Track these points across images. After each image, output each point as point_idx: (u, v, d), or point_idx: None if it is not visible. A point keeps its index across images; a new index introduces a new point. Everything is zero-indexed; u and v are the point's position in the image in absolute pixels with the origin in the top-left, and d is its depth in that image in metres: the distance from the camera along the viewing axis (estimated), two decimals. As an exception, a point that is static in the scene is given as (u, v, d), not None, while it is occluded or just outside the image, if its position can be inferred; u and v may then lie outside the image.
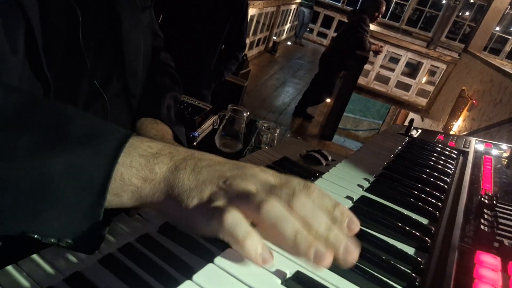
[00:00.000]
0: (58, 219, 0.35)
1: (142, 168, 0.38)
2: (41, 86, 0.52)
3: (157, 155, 0.39)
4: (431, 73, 9.28)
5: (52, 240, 0.36)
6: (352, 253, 0.37)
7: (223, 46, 2.48)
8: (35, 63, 0.50)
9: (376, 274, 0.44)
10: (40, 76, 0.51)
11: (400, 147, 0.94)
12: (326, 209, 0.39)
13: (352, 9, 7.47)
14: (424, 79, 8.00)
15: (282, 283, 0.40)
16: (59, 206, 0.35)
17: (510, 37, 11.19)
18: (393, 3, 12.73)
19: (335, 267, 0.44)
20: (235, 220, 0.35)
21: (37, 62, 0.50)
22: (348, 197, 0.63)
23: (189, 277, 0.35)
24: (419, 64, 8.25)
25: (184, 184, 0.39)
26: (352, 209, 0.59)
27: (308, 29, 10.94)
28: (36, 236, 0.36)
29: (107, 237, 0.46)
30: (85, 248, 0.38)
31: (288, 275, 0.41)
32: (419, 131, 1.14)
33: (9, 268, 0.39)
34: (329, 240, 0.37)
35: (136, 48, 0.68)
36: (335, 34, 6.78)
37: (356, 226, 0.40)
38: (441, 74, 7.65)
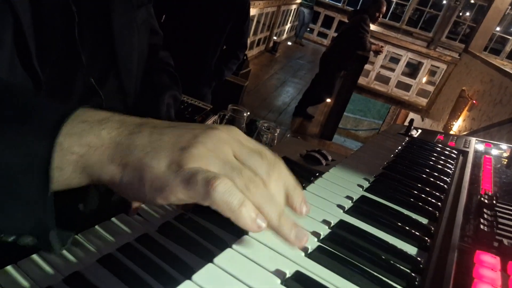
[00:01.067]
0: (9, 207, 0.32)
1: (86, 133, 0.33)
2: (32, 82, 0.51)
3: (104, 121, 0.35)
4: (432, 73, 9.28)
5: (11, 239, 0.34)
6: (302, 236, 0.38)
7: (224, 46, 2.48)
8: (25, 59, 0.49)
9: (375, 273, 0.44)
10: (30, 72, 0.50)
11: (400, 147, 0.94)
12: (289, 187, 0.40)
13: (352, 9, 7.48)
14: (424, 79, 8.00)
15: (281, 283, 0.40)
16: (7, 190, 0.32)
17: (510, 38, 11.19)
18: (394, 3, 12.73)
19: (335, 267, 0.44)
20: (228, 188, 0.33)
21: (27, 58, 0.49)
22: (348, 197, 0.63)
23: (188, 277, 0.35)
24: (420, 64, 8.25)
25: (144, 146, 0.34)
26: (352, 208, 0.59)
27: (308, 29, 10.94)
28: None
29: (106, 237, 0.46)
30: (47, 245, 0.34)
31: (288, 275, 0.41)
32: (419, 131, 1.14)
33: (9, 268, 0.39)
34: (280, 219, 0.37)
35: (129, 46, 0.68)
36: (335, 34, 6.78)
37: (307, 210, 0.41)
38: (442, 74, 7.65)
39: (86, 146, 0.33)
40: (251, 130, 1.37)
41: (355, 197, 0.63)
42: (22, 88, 0.37)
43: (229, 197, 0.33)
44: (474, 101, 5.97)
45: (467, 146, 1.01)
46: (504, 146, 1.02)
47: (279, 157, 0.40)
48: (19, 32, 0.47)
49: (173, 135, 0.35)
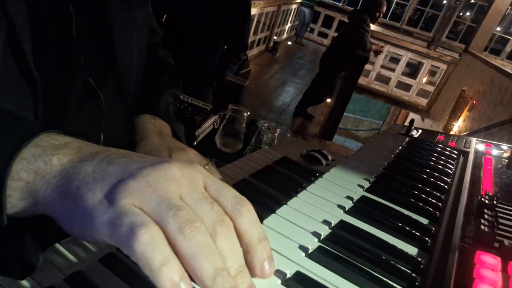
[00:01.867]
0: None
1: (36, 159, 0.32)
2: (27, 84, 0.50)
3: (60, 147, 0.33)
4: (432, 73, 9.28)
5: None
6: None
7: (225, 46, 2.48)
8: (20, 61, 0.48)
9: (376, 274, 0.44)
10: (25, 73, 0.49)
11: (400, 147, 0.94)
12: (251, 239, 0.33)
13: (353, 9, 7.48)
14: (424, 79, 8.00)
15: (282, 283, 0.40)
16: None
17: (510, 38, 11.18)
18: (394, 3, 12.73)
19: (336, 267, 0.44)
20: (153, 240, 0.28)
21: (22, 59, 0.48)
22: (348, 197, 0.63)
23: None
24: (420, 64, 8.25)
25: (87, 175, 0.31)
26: (352, 209, 0.59)
27: (308, 29, 10.94)
28: None
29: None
30: (6, 271, 0.33)
31: (288, 275, 0.41)
32: (420, 131, 1.14)
33: (10, 267, 0.39)
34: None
35: (129, 46, 0.67)
36: (335, 34, 6.78)
37: (272, 271, 0.34)
38: (442, 74, 7.65)
39: (33, 173, 0.32)
40: (251, 130, 1.37)
41: (356, 198, 0.63)
42: None
43: (150, 252, 0.27)
44: (474, 102, 5.97)
45: (468, 146, 1.01)
46: (504, 146, 1.02)
47: (244, 199, 0.34)
48: (13, 33, 0.46)
49: (120, 165, 0.32)
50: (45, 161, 0.32)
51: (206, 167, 0.64)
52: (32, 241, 0.36)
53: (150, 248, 0.27)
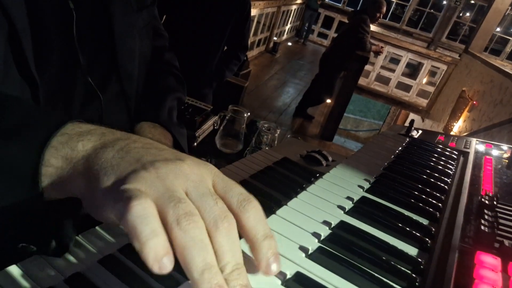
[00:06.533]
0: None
1: (63, 146, 0.34)
2: (28, 87, 0.50)
3: (84, 133, 0.35)
4: (432, 73, 9.28)
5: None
6: None
7: (225, 47, 2.48)
8: (21, 63, 0.48)
9: (376, 274, 0.44)
10: (26, 75, 0.49)
11: (400, 148, 0.94)
12: (256, 236, 0.33)
13: (352, 9, 7.48)
14: (424, 80, 8.00)
15: (282, 284, 0.40)
16: None
17: (510, 38, 11.19)
18: (394, 3, 12.73)
19: (336, 268, 0.44)
20: (145, 213, 0.29)
21: (23, 61, 0.48)
22: (349, 198, 0.63)
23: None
24: (420, 64, 8.25)
25: (106, 161, 0.33)
26: (352, 209, 0.59)
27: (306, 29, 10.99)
28: None
29: (107, 237, 0.46)
30: (46, 250, 0.36)
31: (288, 276, 0.41)
32: (420, 131, 1.14)
33: (10, 268, 0.39)
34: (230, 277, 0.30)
35: (130, 50, 0.67)
36: (335, 35, 6.78)
37: (277, 269, 0.34)
38: (442, 75, 7.65)
39: (61, 158, 0.34)
40: (251, 131, 1.37)
41: (356, 198, 0.63)
42: (15, 101, 0.38)
43: (140, 224, 0.28)
44: (474, 102, 5.97)
45: (468, 146, 1.01)
46: (504, 146, 1.02)
47: (251, 197, 0.34)
48: (13, 35, 0.46)
49: (137, 155, 0.33)
50: (71, 147, 0.34)
51: None
52: (69, 223, 0.38)
53: (140, 220, 0.28)
